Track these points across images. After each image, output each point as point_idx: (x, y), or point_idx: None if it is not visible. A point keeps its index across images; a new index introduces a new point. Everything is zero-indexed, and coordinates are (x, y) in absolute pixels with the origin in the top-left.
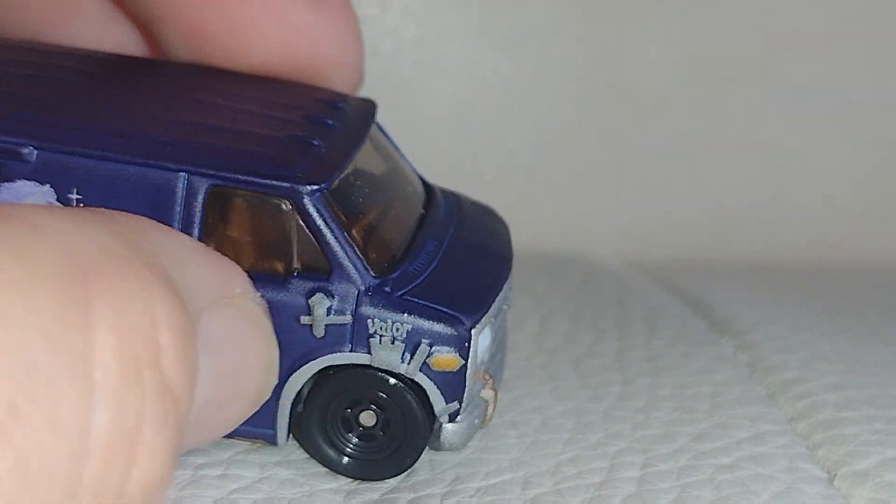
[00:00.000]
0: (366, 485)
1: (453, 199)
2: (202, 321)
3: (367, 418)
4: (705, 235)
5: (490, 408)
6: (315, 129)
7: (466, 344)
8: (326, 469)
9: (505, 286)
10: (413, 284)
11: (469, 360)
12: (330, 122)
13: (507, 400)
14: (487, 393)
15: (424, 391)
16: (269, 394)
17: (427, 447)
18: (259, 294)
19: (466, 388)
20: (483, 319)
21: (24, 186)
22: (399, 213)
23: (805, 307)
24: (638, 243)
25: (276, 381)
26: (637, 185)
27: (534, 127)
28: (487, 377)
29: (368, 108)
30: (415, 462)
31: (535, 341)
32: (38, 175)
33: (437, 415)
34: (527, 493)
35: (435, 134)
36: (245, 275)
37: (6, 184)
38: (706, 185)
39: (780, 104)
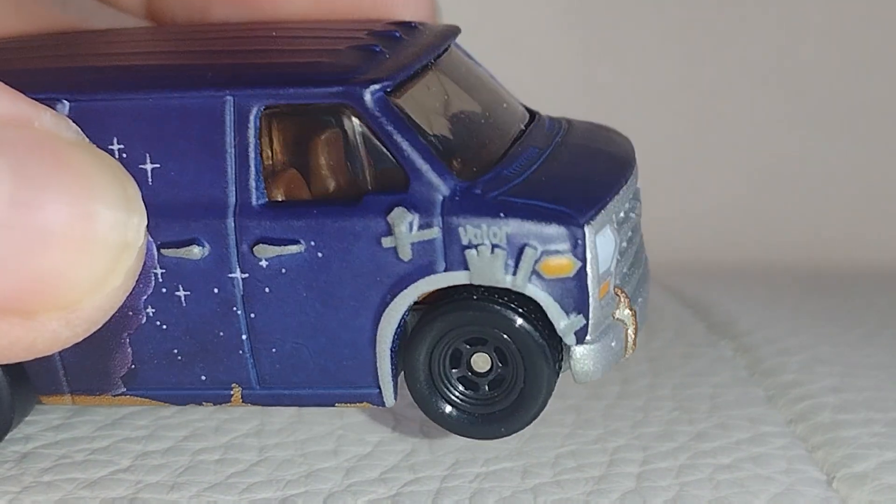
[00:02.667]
0: (364, 462)
1: (562, 120)
2: None
3: (482, 362)
4: (705, 237)
5: (630, 330)
6: (381, 40)
7: (580, 242)
8: (325, 448)
9: (625, 187)
10: (509, 185)
11: (588, 263)
12: (398, 34)
13: None
14: (623, 312)
15: (545, 329)
16: (127, 253)
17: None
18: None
19: (591, 297)
20: (600, 216)
21: None
22: (492, 122)
23: (804, 309)
24: None
25: (133, 237)
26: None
27: None
28: (620, 293)
29: (449, 30)
30: (532, 420)
31: None
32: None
33: (561, 334)
34: (526, 482)
35: None
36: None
37: None
38: (706, 187)
39: (779, 107)
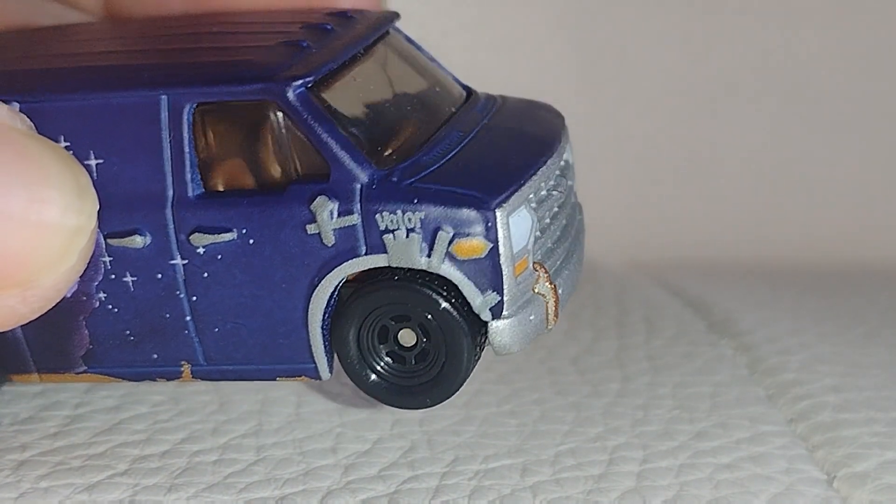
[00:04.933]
0: (363, 460)
1: (497, 98)
2: None
3: (407, 337)
4: (705, 236)
5: (550, 303)
6: (310, 34)
7: (491, 224)
8: (323, 446)
9: (545, 167)
10: (425, 172)
11: (500, 243)
12: (330, 27)
13: (506, 392)
14: (544, 286)
15: (464, 306)
16: (75, 244)
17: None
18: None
19: (505, 275)
20: (513, 199)
21: None
22: (417, 111)
23: (805, 308)
24: (638, 244)
25: (84, 226)
26: (637, 184)
27: None
28: (540, 268)
29: (386, 16)
30: (455, 391)
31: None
32: None
33: (477, 311)
34: (525, 480)
35: None
36: None
37: None
38: (706, 185)
39: (779, 107)
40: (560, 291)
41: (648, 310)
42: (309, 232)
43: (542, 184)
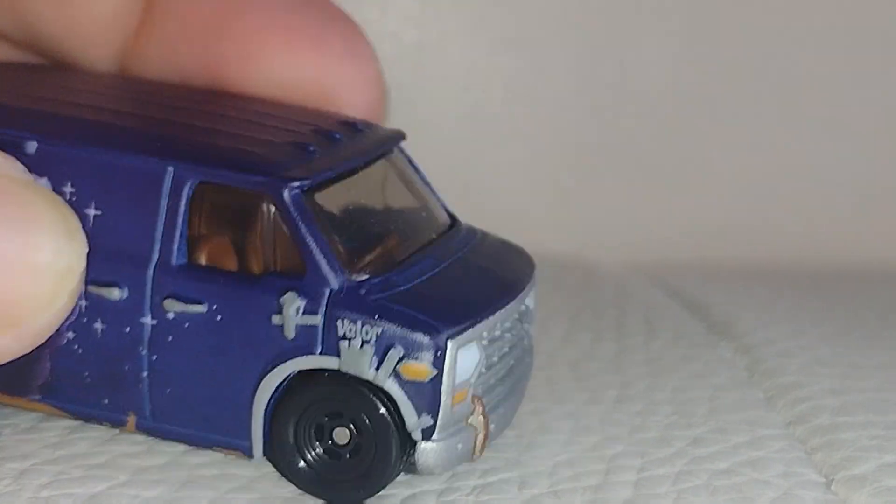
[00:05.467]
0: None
1: (477, 234)
2: None
3: (341, 436)
4: (704, 238)
5: (479, 436)
6: (318, 139)
7: (439, 353)
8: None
9: (504, 310)
10: (392, 291)
11: (445, 373)
12: (339, 136)
13: None
14: (476, 419)
15: (399, 417)
16: (57, 303)
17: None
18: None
19: (442, 403)
20: (466, 333)
21: None
22: (401, 231)
23: (804, 310)
24: (637, 245)
25: (70, 278)
26: (636, 187)
27: (533, 130)
28: (477, 402)
29: (392, 135)
30: (378, 490)
31: (534, 343)
32: (37, 168)
33: (409, 430)
34: (523, 493)
35: (434, 138)
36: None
37: None
38: (705, 188)
39: (779, 106)
40: (492, 427)
41: (648, 311)
42: (273, 322)
43: (499, 324)
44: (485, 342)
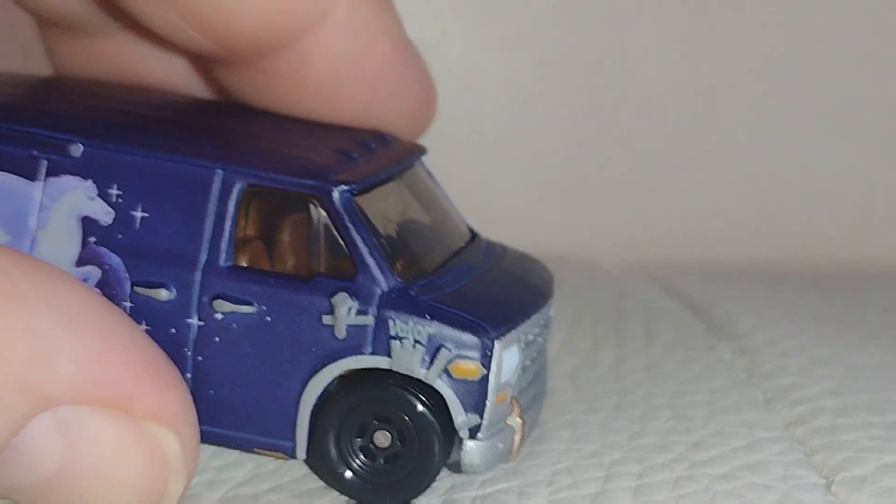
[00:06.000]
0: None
1: (497, 245)
2: (73, 411)
3: (382, 439)
4: (705, 238)
5: (517, 437)
6: (358, 148)
7: (489, 353)
8: (317, 485)
9: (537, 315)
10: (440, 293)
11: (491, 372)
12: (373, 146)
13: None
14: (514, 420)
15: (446, 418)
16: None
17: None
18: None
19: (488, 402)
20: (510, 335)
21: (68, 181)
22: (436, 236)
23: (804, 310)
24: (637, 245)
25: None
26: (637, 188)
27: (534, 130)
28: (515, 403)
29: (417, 148)
30: (424, 489)
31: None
32: (82, 171)
33: (457, 428)
34: (522, 503)
35: (435, 137)
36: (180, 403)
37: (52, 178)
38: (705, 189)
39: (779, 107)
40: (526, 428)
41: (647, 314)
42: (323, 322)
43: (533, 329)
44: (523, 345)
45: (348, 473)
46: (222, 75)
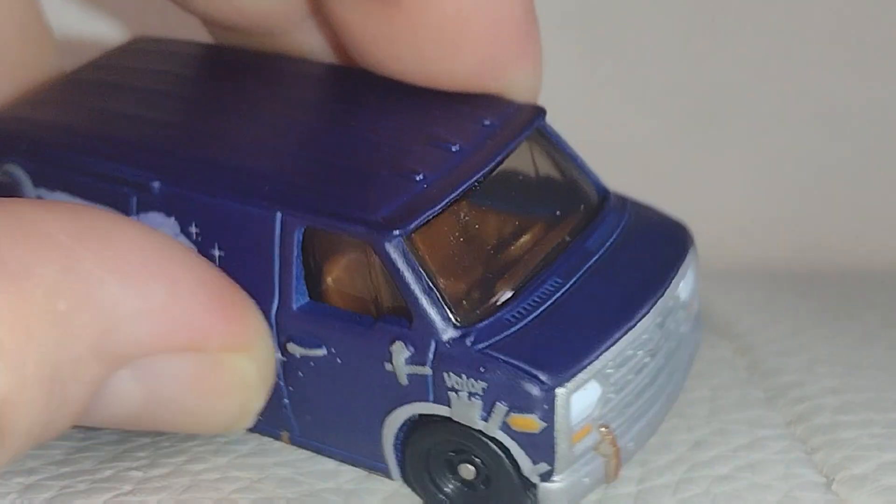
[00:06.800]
0: (364, 486)
1: (627, 211)
2: (148, 360)
3: (466, 471)
4: (705, 237)
5: (612, 463)
6: (431, 158)
7: (548, 405)
8: (325, 468)
9: (633, 331)
10: (501, 336)
11: (556, 422)
12: (456, 148)
13: None
14: (606, 448)
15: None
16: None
17: None
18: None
19: (558, 450)
20: (579, 376)
21: (155, 218)
22: (526, 243)
23: (804, 309)
24: None
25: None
26: (635, 186)
27: None
28: (605, 430)
29: (526, 119)
30: None
31: None
32: (164, 207)
33: (527, 475)
34: None
35: None
36: (257, 331)
37: (142, 213)
38: (705, 187)
39: (779, 107)
40: (630, 445)
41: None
42: (386, 369)
43: (628, 347)
44: (610, 370)
45: (441, 498)
46: (341, 17)
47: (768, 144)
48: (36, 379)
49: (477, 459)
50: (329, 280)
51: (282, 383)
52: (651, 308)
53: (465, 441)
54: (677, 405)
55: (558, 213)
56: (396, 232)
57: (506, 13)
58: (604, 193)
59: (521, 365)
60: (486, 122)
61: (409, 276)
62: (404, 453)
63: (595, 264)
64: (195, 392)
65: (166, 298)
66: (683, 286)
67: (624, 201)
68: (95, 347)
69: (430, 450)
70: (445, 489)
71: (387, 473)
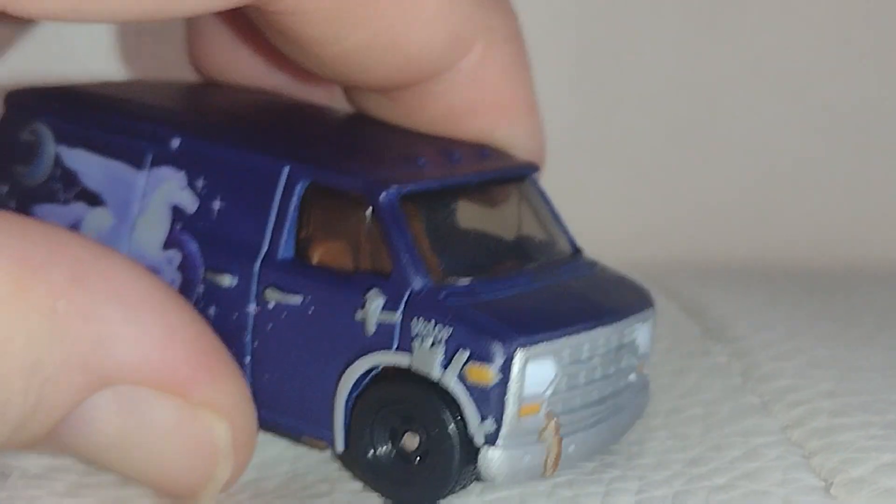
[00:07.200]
0: (359, 499)
1: (596, 267)
2: (132, 390)
3: (410, 441)
4: (701, 238)
5: (551, 455)
6: (435, 156)
7: (506, 360)
8: (320, 490)
9: (592, 332)
10: (473, 299)
11: (511, 381)
12: (457, 156)
13: None
14: (548, 435)
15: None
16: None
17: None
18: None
19: (506, 410)
20: (540, 346)
21: (166, 171)
22: (511, 252)
23: (800, 311)
24: (633, 245)
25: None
26: (632, 187)
27: None
28: (551, 420)
29: (519, 165)
30: (441, 497)
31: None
32: (177, 162)
33: (472, 433)
34: None
35: None
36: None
37: (154, 168)
38: (702, 188)
39: (777, 106)
40: (571, 448)
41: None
42: (356, 318)
43: (586, 346)
44: (566, 360)
45: (376, 469)
46: (358, 105)
47: (768, 144)
48: (17, 358)
49: (422, 429)
50: (317, 248)
51: (248, 339)
52: (612, 323)
53: (416, 404)
54: (671, 425)
55: (541, 241)
56: (393, 188)
57: (501, 108)
58: (577, 250)
59: (490, 319)
60: (486, 153)
61: (395, 231)
62: (352, 416)
63: (563, 281)
64: (167, 438)
65: (160, 335)
66: (641, 336)
67: (595, 261)
68: (84, 357)
69: (378, 411)
70: (377, 452)
71: (331, 443)
